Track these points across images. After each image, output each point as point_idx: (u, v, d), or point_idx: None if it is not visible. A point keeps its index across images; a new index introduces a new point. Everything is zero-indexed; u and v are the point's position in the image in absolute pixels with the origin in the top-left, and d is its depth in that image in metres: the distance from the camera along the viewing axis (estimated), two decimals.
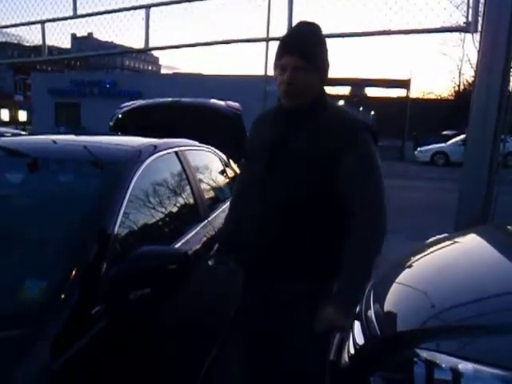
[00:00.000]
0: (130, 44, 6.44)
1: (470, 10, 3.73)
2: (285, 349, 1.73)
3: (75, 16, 5.89)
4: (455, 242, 2.72)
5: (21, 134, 4.22)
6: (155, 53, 66.51)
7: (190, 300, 2.10)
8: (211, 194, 2.97)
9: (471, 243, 2.70)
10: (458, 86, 34.03)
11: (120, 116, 4.78)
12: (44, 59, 6.63)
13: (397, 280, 2.24)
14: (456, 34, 27.42)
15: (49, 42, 6.25)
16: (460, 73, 33.54)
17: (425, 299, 1.94)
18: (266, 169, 1.68)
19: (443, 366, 1.54)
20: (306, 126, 1.66)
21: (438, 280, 2.14)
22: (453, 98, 34.96)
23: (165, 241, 2.03)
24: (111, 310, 1.47)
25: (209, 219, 2.60)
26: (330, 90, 29.89)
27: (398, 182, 10.98)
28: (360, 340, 1.99)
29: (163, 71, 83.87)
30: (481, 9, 3.73)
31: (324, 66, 1.67)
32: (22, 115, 48.75)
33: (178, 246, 2.07)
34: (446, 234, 2.98)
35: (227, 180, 3.39)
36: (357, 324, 2.10)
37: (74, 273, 1.43)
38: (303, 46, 1.61)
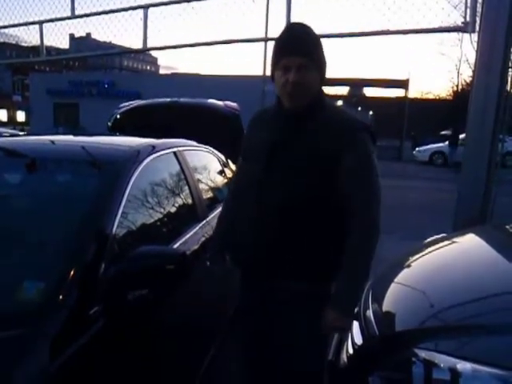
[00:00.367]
0: (129, 44, 6.43)
1: (468, 10, 3.73)
2: (283, 348, 1.73)
3: (73, 16, 5.89)
4: (454, 242, 2.72)
5: (19, 135, 4.21)
6: (153, 53, 66.52)
7: (188, 300, 2.10)
8: (209, 194, 2.97)
9: (470, 243, 2.70)
10: (457, 86, 34.01)
11: (118, 116, 4.77)
12: (42, 59, 6.62)
13: (395, 280, 2.24)
14: (454, 34, 27.40)
15: (47, 43, 6.26)
16: (458, 73, 33.55)
17: (423, 299, 1.94)
18: (263, 170, 1.68)
19: (442, 365, 1.54)
20: (305, 126, 1.66)
21: (436, 280, 2.14)
22: (451, 97, 34.96)
23: (163, 241, 2.03)
24: (109, 310, 1.47)
25: (207, 219, 2.60)
26: (328, 90, 29.91)
27: (396, 182, 11.00)
28: (358, 340, 1.99)
29: (162, 71, 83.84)
30: (479, 9, 3.73)
31: (323, 62, 1.68)
32: (21, 116, 48.74)
33: (176, 246, 2.07)
34: (444, 234, 2.98)
35: (225, 180, 3.38)
36: (355, 324, 2.10)
37: (72, 273, 1.43)
38: (303, 45, 1.61)
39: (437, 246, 2.65)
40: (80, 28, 6.11)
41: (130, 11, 5.58)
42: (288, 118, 1.70)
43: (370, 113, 31.78)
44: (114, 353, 1.48)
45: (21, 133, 6.48)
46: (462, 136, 17.53)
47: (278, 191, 1.64)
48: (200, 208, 2.59)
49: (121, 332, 1.53)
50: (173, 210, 2.34)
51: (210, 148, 3.30)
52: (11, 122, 44.78)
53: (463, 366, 1.49)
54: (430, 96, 39.49)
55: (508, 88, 3.88)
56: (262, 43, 11.88)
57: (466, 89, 28.63)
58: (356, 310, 2.21)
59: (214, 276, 2.24)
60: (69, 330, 1.33)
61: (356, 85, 34.16)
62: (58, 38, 6.17)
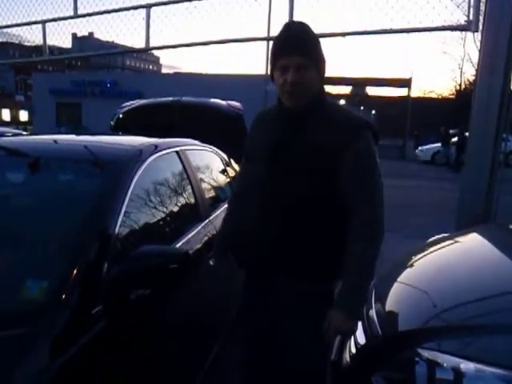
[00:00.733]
0: (131, 44, 6.45)
1: (471, 9, 3.72)
2: (285, 347, 1.73)
3: (76, 16, 5.89)
4: (457, 242, 2.71)
5: (22, 134, 4.22)
6: (156, 52, 66.67)
7: (190, 299, 2.10)
8: (212, 193, 2.97)
9: (473, 242, 2.70)
10: (460, 84, 33.93)
11: (121, 116, 4.78)
12: (45, 59, 6.63)
13: (398, 279, 2.24)
14: (457, 33, 27.39)
15: (50, 42, 6.25)
16: (461, 72, 33.47)
17: (426, 299, 1.94)
18: (266, 170, 1.68)
19: (445, 365, 1.53)
20: (305, 125, 1.66)
21: (439, 279, 2.13)
22: (454, 97, 34.87)
23: (166, 240, 2.03)
24: (112, 309, 1.47)
25: (210, 219, 2.60)
26: (331, 89, 29.91)
27: (398, 182, 10.99)
28: (361, 340, 1.99)
29: (164, 71, 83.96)
30: (482, 7, 3.73)
31: (322, 61, 1.67)
32: (23, 115, 48.82)
33: (178, 245, 2.07)
34: (447, 234, 2.98)
35: (228, 179, 3.38)
36: (358, 324, 2.10)
37: (74, 273, 1.43)
38: (302, 44, 1.61)
39: (440, 245, 2.65)
40: (82, 27, 6.16)
41: (133, 11, 5.59)
42: (289, 118, 1.70)
43: (373, 112, 31.75)
44: (117, 352, 1.48)
45: (24, 132, 6.49)
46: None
47: (280, 191, 1.64)
48: (203, 207, 2.59)
49: (123, 331, 1.53)
50: (175, 209, 2.34)
51: (213, 147, 3.30)
52: (14, 121, 44.88)
53: (466, 365, 1.49)
54: (433, 95, 39.39)
55: (511, 87, 3.87)
56: (265, 42, 11.86)
57: (468, 88, 28.58)
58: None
59: (217, 275, 2.24)
60: (71, 330, 1.33)
61: (359, 84, 34.11)
62: (60, 37, 6.18)
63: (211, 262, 2.32)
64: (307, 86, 1.63)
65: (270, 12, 5.84)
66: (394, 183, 8.18)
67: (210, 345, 2.43)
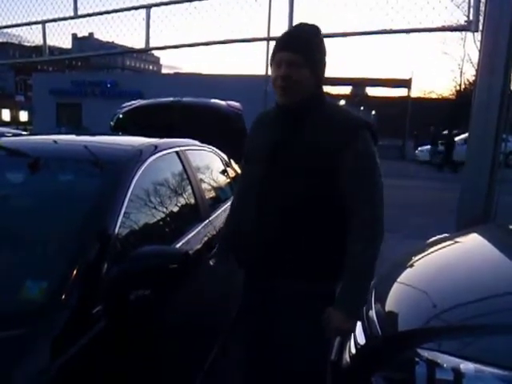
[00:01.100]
0: (131, 44, 6.46)
1: (471, 9, 3.72)
2: (283, 347, 1.73)
3: (76, 16, 5.89)
4: (456, 242, 2.71)
5: (22, 135, 4.22)
6: (156, 53, 66.65)
7: (190, 299, 2.10)
8: (212, 193, 2.97)
9: (473, 243, 2.70)
10: (459, 85, 33.94)
11: (121, 116, 4.79)
12: (45, 59, 6.63)
13: (398, 280, 2.24)
14: (457, 33, 27.44)
15: (50, 43, 6.25)
16: (461, 72, 33.47)
17: (426, 299, 1.94)
18: (264, 171, 1.68)
19: (445, 365, 1.53)
20: (303, 125, 1.66)
21: (439, 280, 2.13)
22: (454, 97, 34.88)
23: (166, 240, 2.03)
24: (112, 309, 1.47)
25: (210, 219, 2.60)
26: (331, 89, 29.92)
27: (398, 182, 10.99)
28: (361, 340, 1.99)
29: (164, 71, 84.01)
30: (482, 8, 3.73)
31: (320, 64, 1.68)
32: (23, 116, 48.84)
33: (178, 245, 2.07)
34: (447, 234, 2.98)
35: (228, 180, 3.38)
36: (358, 324, 2.10)
37: (74, 273, 1.43)
38: (296, 41, 1.63)
39: (439, 245, 2.65)
40: (83, 28, 6.16)
41: (133, 11, 5.59)
42: (285, 116, 1.70)
43: (373, 112, 31.77)
44: (117, 352, 1.48)
45: (23, 133, 6.49)
46: (463, 136, 17.58)
47: (278, 191, 1.64)
48: (202, 207, 2.59)
49: (123, 332, 1.53)
50: (175, 209, 2.34)
51: (213, 147, 3.30)
52: (14, 121, 44.87)
53: (466, 366, 1.49)
54: (433, 95, 39.44)
55: (511, 87, 3.87)
56: (265, 43, 11.86)
57: (468, 88, 28.59)
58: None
59: (217, 276, 2.24)
60: (71, 330, 1.33)
61: (358, 84, 34.16)
62: (60, 37, 6.18)
63: (211, 262, 2.32)
64: (298, 83, 1.63)
65: (269, 12, 5.84)
66: (394, 183, 8.17)
67: (209, 345, 2.43)
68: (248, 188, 1.79)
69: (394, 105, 30.89)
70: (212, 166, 3.19)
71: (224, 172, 3.39)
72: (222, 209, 2.88)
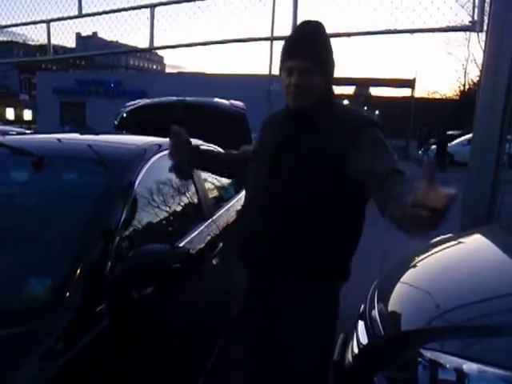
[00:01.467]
0: (135, 43, 6.46)
1: (476, 9, 3.71)
2: (284, 347, 1.73)
3: (80, 15, 5.90)
4: (460, 242, 2.71)
5: (25, 133, 4.23)
6: (160, 52, 66.67)
7: (193, 298, 2.10)
8: (215, 193, 2.97)
9: (476, 243, 2.69)
10: (464, 85, 33.90)
11: (125, 115, 4.79)
12: (49, 58, 6.64)
13: (401, 280, 2.24)
14: (461, 34, 27.31)
15: (54, 42, 6.27)
16: (465, 72, 33.42)
17: (429, 299, 1.93)
18: (267, 171, 1.68)
19: (447, 366, 1.53)
20: (312, 126, 1.66)
21: (442, 280, 2.13)
22: (458, 97, 34.81)
23: (169, 239, 2.03)
24: (115, 307, 1.48)
25: (213, 218, 2.61)
26: (334, 89, 29.80)
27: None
28: (364, 340, 1.99)
29: (168, 70, 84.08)
30: (487, 8, 3.71)
31: (329, 65, 1.67)
32: (27, 114, 49.03)
33: (181, 244, 2.07)
34: (450, 234, 2.97)
35: (231, 179, 3.38)
36: (360, 324, 2.10)
37: (78, 271, 1.44)
38: (308, 48, 1.60)
39: (443, 246, 2.64)
40: (87, 27, 6.12)
41: (137, 10, 5.60)
42: (294, 119, 1.70)
43: (377, 112, 31.68)
44: (120, 351, 1.49)
45: (28, 131, 6.51)
46: (467, 136, 17.56)
47: (281, 191, 1.65)
48: (206, 207, 2.60)
49: (126, 330, 1.53)
50: (179, 208, 2.35)
51: (216, 147, 3.30)
52: (18, 120, 45.03)
53: (469, 366, 1.48)
54: (437, 96, 39.38)
55: None
56: (268, 42, 11.87)
57: (472, 88, 28.53)
58: (361, 309, 2.22)
59: (219, 275, 2.25)
60: (75, 327, 1.34)
61: (362, 84, 34.07)
62: (64, 36, 6.19)
63: (214, 262, 2.33)
64: (311, 89, 1.63)
65: (273, 12, 5.82)
66: None
67: (211, 344, 2.44)
68: (254, 188, 1.80)
69: (398, 105, 30.85)
70: None
71: None
72: (225, 208, 2.89)
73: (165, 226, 2.18)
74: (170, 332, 1.86)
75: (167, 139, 2.48)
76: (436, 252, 2.55)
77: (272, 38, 5.26)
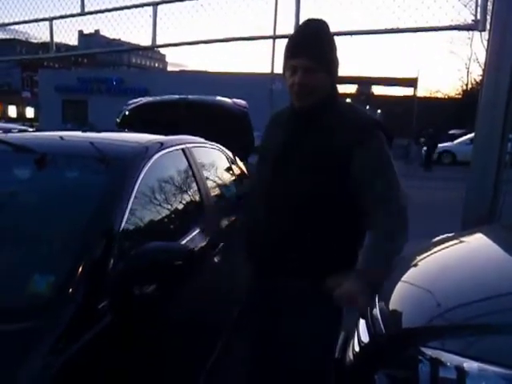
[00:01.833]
0: (137, 41, 6.47)
1: (479, 8, 3.70)
2: (288, 346, 1.74)
3: (83, 13, 5.90)
4: (461, 242, 2.71)
5: (28, 131, 4.25)
6: (162, 50, 66.72)
7: (194, 296, 2.11)
8: (217, 191, 2.97)
9: (478, 242, 2.69)
10: (466, 84, 33.84)
11: (127, 113, 4.80)
12: (51, 56, 6.64)
13: (402, 278, 2.24)
14: (464, 33, 27.33)
15: (56, 39, 6.26)
16: (468, 71, 33.36)
17: (430, 298, 1.94)
18: (272, 170, 1.69)
19: (448, 364, 1.53)
20: (316, 125, 1.66)
21: (443, 279, 2.13)
22: (460, 96, 34.74)
23: (171, 237, 2.04)
24: (117, 304, 1.49)
25: (214, 216, 2.61)
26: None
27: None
28: (365, 338, 1.99)
29: (170, 68, 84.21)
30: (489, 7, 3.71)
31: (333, 64, 1.66)
32: (30, 112, 49.10)
33: (183, 242, 2.07)
34: (452, 233, 2.97)
35: (233, 177, 3.39)
36: (362, 322, 2.10)
37: (81, 268, 1.45)
38: (312, 46, 1.59)
39: (444, 245, 2.64)
40: (89, 25, 6.11)
41: (140, 8, 5.59)
42: (299, 118, 1.70)
43: (379, 111, 31.66)
44: (121, 348, 1.50)
45: (30, 129, 6.52)
46: (469, 136, 17.53)
47: (284, 190, 1.65)
48: (208, 205, 2.60)
49: (128, 327, 1.54)
50: (181, 206, 2.35)
51: (218, 145, 3.31)
52: (20, 118, 45.09)
53: (470, 364, 1.49)
54: (439, 95, 39.27)
55: None
56: (271, 41, 11.85)
57: (475, 88, 28.48)
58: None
59: (221, 274, 2.25)
60: (77, 324, 1.34)
61: (365, 83, 34.08)
62: (67, 34, 6.19)
63: (216, 260, 2.33)
64: (315, 88, 1.62)
65: (276, 10, 5.82)
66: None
67: (213, 342, 2.44)
68: (259, 187, 1.80)
69: (400, 104, 30.81)
70: (217, 163, 3.20)
71: (229, 169, 3.39)
72: (227, 206, 2.89)
73: (167, 223, 2.19)
74: (172, 329, 1.87)
75: (169, 137, 2.49)
76: (437, 251, 2.55)
77: (274, 37, 5.27)
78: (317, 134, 1.64)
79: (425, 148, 18.99)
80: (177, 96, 4.88)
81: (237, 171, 3.49)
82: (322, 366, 1.78)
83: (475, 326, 1.72)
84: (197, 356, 2.19)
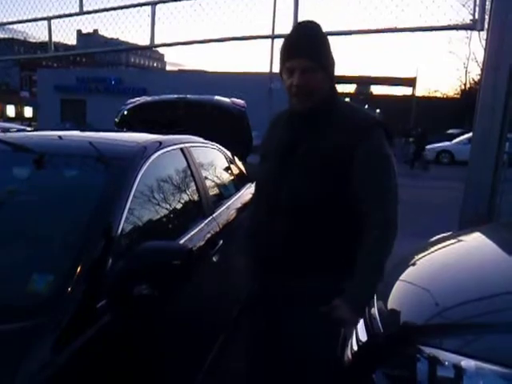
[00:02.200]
0: (136, 41, 6.46)
1: (477, 8, 3.71)
2: (288, 346, 1.74)
3: (81, 12, 5.90)
4: (460, 241, 2.71)
5: (26, 130, 4.24)
6: (160, 49, 66.68)
7: (193, 296, 2.11)
8: (216, 190, 2.98)
9: (476, 241, 2.70)
10: (464, 84, 33.88)
11: (125, 112, 4.79)
12: (50, 55, 6.64)
13: (400, 277, 2.24)
14: (462, 32, 27.39)
15: (55, 39, 6.26)
16: (466, 71, 33.41)
17: (428, 297, 1.94)
18: (274, 171, 1.69)
19: (446, 363, 1.54)
20: (317, 126, 1.66)
21: (441, 278, 2.14)
22: (459, 96, 34.78)
23: (169, 237, 2.04)
24: (116, 304, 1.49)
25: (213, 215, 2.61)
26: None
27: (401, 181, 10.96)
28: (363, 337, 1.99)
29: (168, 68, 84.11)
30: (488, 6, 3.71)
31: (330, 63, 1.66)
32: (28, 111, 49.01)
33: (182, 241, 2.08)
34: (450, 232, 2.98)
35: (232, 177, 3.39)
36: (360, 321, 2.11)
37: (80, 267, 1.45)
38: (308, 46, 1.60)
39: (442, 244, 2.65)
40: (88, 24, 6.09)
41: (138, 8, 5.59)
42: (299, 119, 1.70)
43: (377, 111, 31.67)
44: (120, 347, 1.50)
45: (28, 128, 6.52)
46: (467, 136, 17.56)
47: (286, 192, 1.64)
48: (206, 204, 2.60)
49: (127, 326, 1.54)
50: (179, 206, 2.35)
51: (217, 144, 3.31)
52: (19, 117, 45.02)
53: (467, 363, 1.49)
54: (438, 94, 39.30)
55: None
56: (269, 40, 11.85)
57: (474, 87, 28.50)
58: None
59: (220, 273, 2.25)
60: (76, 323, 1.35)
61: (363, 83, 34.10)
62: (65, 34, 6.18)
63: (214, 259, 2.33)
64: (314, 89, 1.62)
65: (274, 10, 5.81)
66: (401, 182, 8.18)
67: (211, 341, 2.44)
68: (261, 188, 1.81)
69: (399, 103, 30.83)
70: (216, 162, 3.20)
71: (228, 169, 3.40)
72: (226, 206, 2.89)
73: (165, 223, 2.19)
74: (171, 329, 1.87)
75: (168, 137, 2.49)
76: (435, 250, 2.56)
77: (273, 36, 5.26)
78: (318, 135, 1.64)
79: (413, 147, 18.97)
80: (175, 95, 4.87)
81: (235, 170, 3.49)
82: (323, 366, 1.78)
83: (473, 325, 1.72)
84: (195, 355, 2.20)
